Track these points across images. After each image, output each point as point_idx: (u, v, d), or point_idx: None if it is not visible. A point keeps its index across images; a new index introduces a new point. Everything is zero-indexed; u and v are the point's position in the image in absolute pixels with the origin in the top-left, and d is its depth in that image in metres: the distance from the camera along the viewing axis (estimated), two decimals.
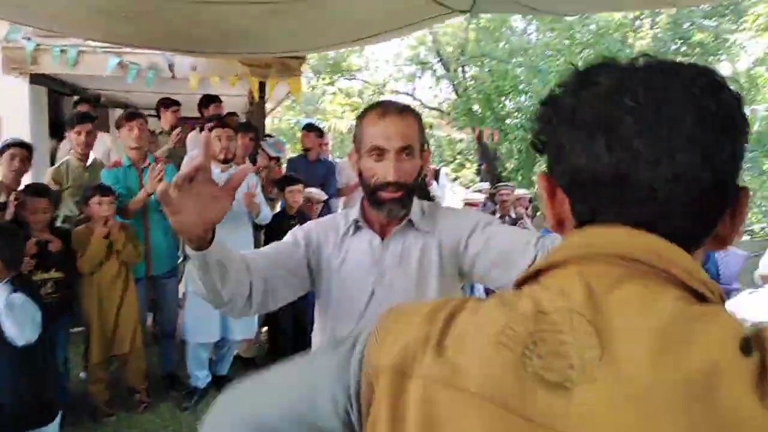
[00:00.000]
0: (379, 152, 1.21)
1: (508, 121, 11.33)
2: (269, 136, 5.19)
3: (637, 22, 12.38)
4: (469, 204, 5.71)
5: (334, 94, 14.30)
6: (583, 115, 0.53)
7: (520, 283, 0.58)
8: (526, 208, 6.79)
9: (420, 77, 14.98)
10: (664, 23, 11.15)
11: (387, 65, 15.87)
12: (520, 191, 6.95)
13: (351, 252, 1.30)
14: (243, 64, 4.71)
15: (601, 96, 0.53)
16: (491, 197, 6.52)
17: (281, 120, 17.22)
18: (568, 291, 0.51)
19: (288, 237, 1.34)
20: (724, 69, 14.00)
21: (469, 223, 1.30)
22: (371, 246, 1.30)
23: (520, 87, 11.04)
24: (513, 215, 5.64)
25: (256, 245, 3.87)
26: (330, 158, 5.95)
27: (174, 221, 0.96)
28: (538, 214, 12.39)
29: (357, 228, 1.32)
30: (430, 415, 0.51)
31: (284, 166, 5.17)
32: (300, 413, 0.63)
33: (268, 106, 6.59)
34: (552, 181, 0.58)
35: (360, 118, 1.29)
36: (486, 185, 7.13)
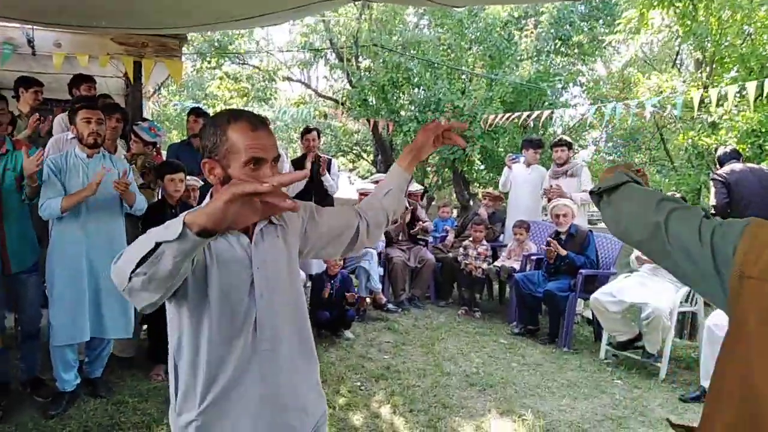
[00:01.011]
0: (257, 162, 1.33)
1: (402, 113, 11.46)
2: (144, 120, 4.85)
3: (522, 22, 12.99)
4: (365, 195, 5.68)
5: (221, 78, 13.69)
6: None
7: None
8: (420, 199, 6.95)
9: (313, 65, 14.77)
10: (547, 23, 11.76)
11: (279, 52, 15.49)
12: (412, 186, 7.09)
13: (221, 252, 1.36)
14: (115, 43, 4.36)
15: None
16: None
17: (167, 105, 16.31)
18: None
19: None
20: (599, 70, 15.08)
21: (305, 212, 1.56)
22: (240, 244, 1.39)
23: (414, 80, 11.20)
24: (409, 206, 5.73)
25: (131, 237, 3.59)
26: None
27: (231, 209, 1.04)
28: (434, 203, 12.66)
29: (228, 232, 1.37)
30: None
31: (164, 152, 4.87)
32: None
33: (149, 89, 6.18)
34: None
35: (220, 127, 1.34)
36: (382, 176, 7.16)
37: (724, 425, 0.95)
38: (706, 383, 3.87)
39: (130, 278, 1.11)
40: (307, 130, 5.70)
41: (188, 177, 4.10)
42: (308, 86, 17.26)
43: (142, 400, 3.44)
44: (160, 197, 4.12)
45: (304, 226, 1.55)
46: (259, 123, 1.36)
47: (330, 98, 15.44)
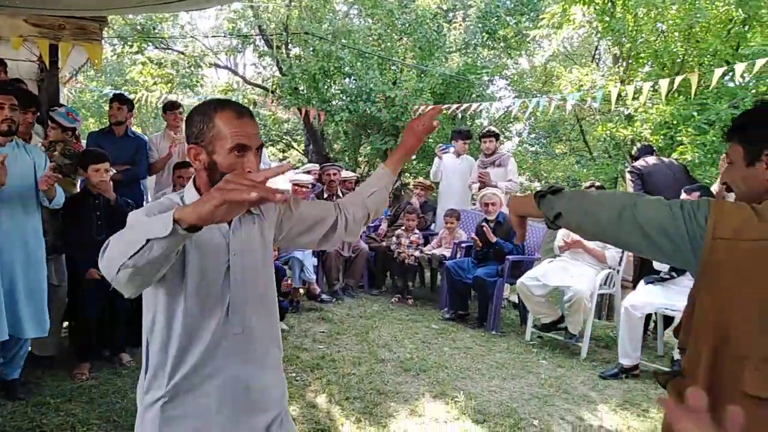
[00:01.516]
0: (242, 149, 1.38)
1: (334, 102, 11.40)
2: (61, 105, 4.59)
3: (451, 14, 13.21)
4: (297, 185, 5.64)
5: (143, 63, 13.09)
6: None
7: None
8: (353, 187, 6.95)
9: (242, 52, 14.40)
10: (475, 17, 12.02)
11: (205, 38, 15.00)
12: (346, 173, 7.09)
13: (200, 236, 1.35)
14: (29, 24, 4.09)
15: None
16: (319, 178, 6.56)
17: (84, 91, 15.45)
18: None
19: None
20: (523, 63, 15.58)
21: (281, 203, 1.58)
22: (219, 230, 1.44)
23: (345, 69, 11.16)
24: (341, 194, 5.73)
25: (53, 231, 3.41)
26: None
27: (220, 210, 1.07)
28: None
29: None
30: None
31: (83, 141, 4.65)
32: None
33: (65, 74, 5.84)
34: None
35: (206, 114, 1.40)
36: (314, 166, 7.12)
37: (710, 348, 1.26)
38: (624, 360, 4.14)
39: (117, 270, 1.15)
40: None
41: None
42: (236, 73, 16.83)
43: (65, 401, 3.28)
44: (82, 187, 3.93)
45: (280, 217, 1.61)
46: (244, 111, 1.42)
47: (259, 86, 15.13)
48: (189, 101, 15.31)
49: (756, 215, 1.24)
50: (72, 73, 7.12)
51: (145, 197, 5.46)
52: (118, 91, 7.18)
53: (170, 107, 5.45)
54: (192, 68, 13.06)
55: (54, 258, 3.67)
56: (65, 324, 4.01)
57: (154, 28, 12.67)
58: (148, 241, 1.11)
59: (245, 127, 1.40)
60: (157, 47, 13.69)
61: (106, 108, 5.73)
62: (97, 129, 5.75)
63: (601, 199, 1.39)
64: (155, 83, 12.79)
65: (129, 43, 12.59)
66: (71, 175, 4.10)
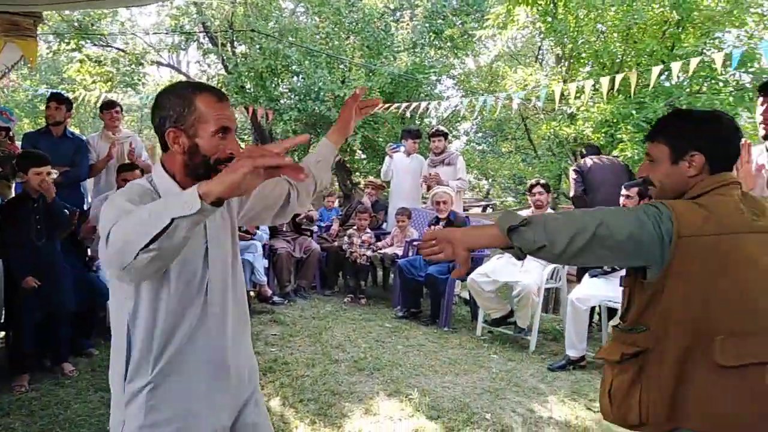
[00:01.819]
0: (225, 131, 1.41)
1: (282, 101, 11.26)
2: None
3: (398, 13, 13.28)
4: None
5: (81, 61, 12.56)
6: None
7: (696, 196, 1.53)
8: None
9: (185, 49, 14.02)
10: (422, 16, 12.11)
11: (146, 35, 14.54)
12: None
13: None
14: None
15: None
16: None
17: (17, 90, 14.72)
18: (732, 193, 1.52)
19: (130, 209, 1.29)
20: (469, 63, 15.81)
21: None
22: None
23: (293, 68, 11.04)
24: None
25: None
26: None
27: (246, 179, 1.11)
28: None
29: None
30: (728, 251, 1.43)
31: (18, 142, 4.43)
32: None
33: None
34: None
35: (185, 97, 1.40)
36: None
37: (681, 348, 1.46)
38: (570, 352, 4.28)
39: (136, 256, 1.13)
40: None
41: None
42: (179, 71, 16.39)
43: (3, 415, 3.12)
44: (20, 191, 3.77)
45: (241, 198, 1.64)
46: (221, 94, 1.46)
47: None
48: (129, 100, 14.80)
49: (707, 212, 1.46)
50: (4, 71, 6.77)
51: (85, 199, 5.26)
52: (55, 90, 6.87)
53: (107, 106, 5.28)
54: (133, 66, 12.62)
55: None
56: (2, 334, 3.82)
57: (92, 25, 12.18)
58: (173, 220, 1.11)
59: (225, 110, 1.43)
60: (95, 44, 13.17)
61: (42, 108, 5.49)
62: (32, 130, 5.50)
63: (573, 221, 1.47)
64: (94, 82, 12.29)
65: (66, 40, 12.05)
66: (8, 178, 3.90)
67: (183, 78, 16.10)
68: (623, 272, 4.35)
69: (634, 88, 5.91)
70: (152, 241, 1.12)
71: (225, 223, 1.56)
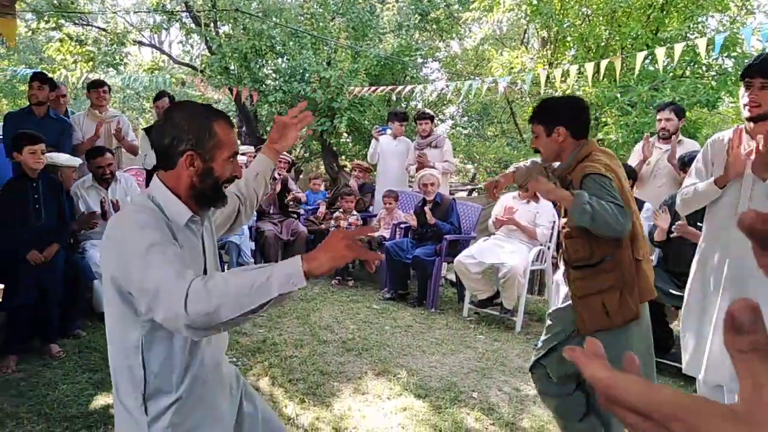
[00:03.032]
0: (234, 156, 1.52)
1: (268, 82, 11.13)
2: None
3: None
4: (279, 160, 5.53)
5: (61, 41, 12.27)
6: None
7: (583, 159, 2.25)
8: (288, 171, 6.90)
9: (167, 29, 13.77)
10: None
11: (127, 14, 14.25)
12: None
13: (186, 243, 1.48)
14: None
15: None
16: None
17: None
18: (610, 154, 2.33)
19: (166, 249, 1.33)
20: (454, 47, 15.75)
21: None
22: (195, 234, 1.54)
23: (277, 48, 10.90)
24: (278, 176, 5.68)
25: None
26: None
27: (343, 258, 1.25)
28: (302, 176, 12.57)
29: (191, 222, 1.51)
30: None
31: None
32: None
33: None
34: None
35: (204, 122, 1.46)
36: (249, 148, 6.99)
37: (629, 256, 2.28)
38: None
39: (228, 321, 1.20)
40: (159, 96, 5.50)
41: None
42: (162, 51, 16.13)
43: None
44: (18, 171, 3.76)
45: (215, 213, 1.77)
46: (229, 120, 1.56)
47: (187, 65, 14.55)
48: (111, 81, 14.52)
49: (608, 157, 2.28)
50: None
51: None
52: (37, 70, 6.73)
53: (95, 85, 5.23)
54: (115, 46, 12.36)
55: None
56: None
57: (72, 2, 11.89)
58: (280, 295, 1.19)
59: (235, 136, 1.55)
60: (75, 23, 12.87)
61: (21, 89, 5.41)
62: (17, 109, 5.42)
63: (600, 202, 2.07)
64: (75, 62, 12.04)
65: (45, 19, 11.76)
66: None
67: (166, 58, 15.86)
68: None
69: (619, 72, 5.96)
70: (250, 311, 1.19)
71: (212, 238, 1.66)
